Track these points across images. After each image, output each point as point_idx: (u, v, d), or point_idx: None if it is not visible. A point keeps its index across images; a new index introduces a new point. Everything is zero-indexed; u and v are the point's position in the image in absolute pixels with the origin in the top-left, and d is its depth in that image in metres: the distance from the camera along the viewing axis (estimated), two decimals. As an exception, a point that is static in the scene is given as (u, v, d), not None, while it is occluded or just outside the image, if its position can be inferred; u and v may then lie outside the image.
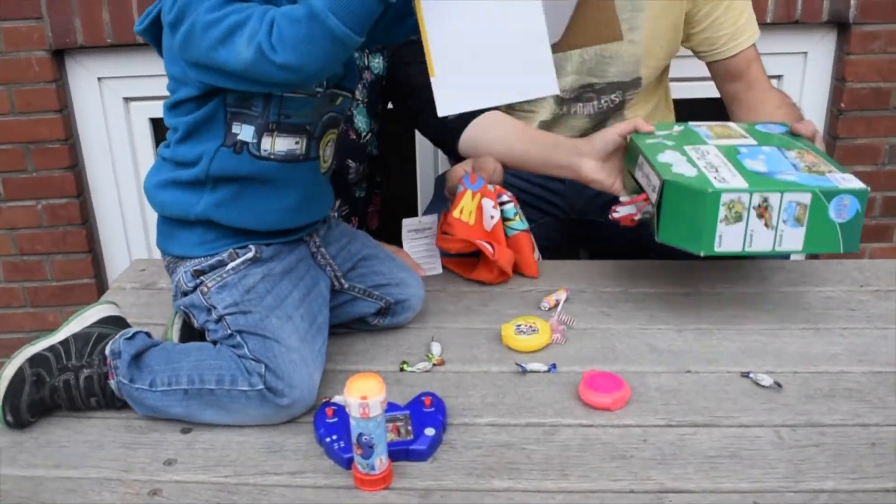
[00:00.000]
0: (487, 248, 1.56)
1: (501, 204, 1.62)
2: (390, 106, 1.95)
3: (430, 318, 1.52)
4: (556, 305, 1.52)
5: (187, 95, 1.23)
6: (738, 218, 1.33)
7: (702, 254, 1.35)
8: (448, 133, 1.77)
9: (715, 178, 1.34)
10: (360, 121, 1.85)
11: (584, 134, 1.95)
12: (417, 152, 2.56)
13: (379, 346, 1.44)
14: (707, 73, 1.96)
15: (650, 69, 1.88)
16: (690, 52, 1.93)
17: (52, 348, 1.29)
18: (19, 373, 1.26)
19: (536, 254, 1.69)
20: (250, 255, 1.29)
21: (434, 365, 1.38)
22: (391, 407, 1.22)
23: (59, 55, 2.37)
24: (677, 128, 1.58)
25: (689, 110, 2.05)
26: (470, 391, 1.31)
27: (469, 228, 1.57)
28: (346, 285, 1.42)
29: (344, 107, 1.35)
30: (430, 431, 1.18)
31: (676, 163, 1.40)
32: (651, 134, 1.53)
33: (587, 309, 1.53)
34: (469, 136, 1.75)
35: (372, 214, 2.01)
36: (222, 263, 1.28)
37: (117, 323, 1.36)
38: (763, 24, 2.33)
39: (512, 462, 1.16)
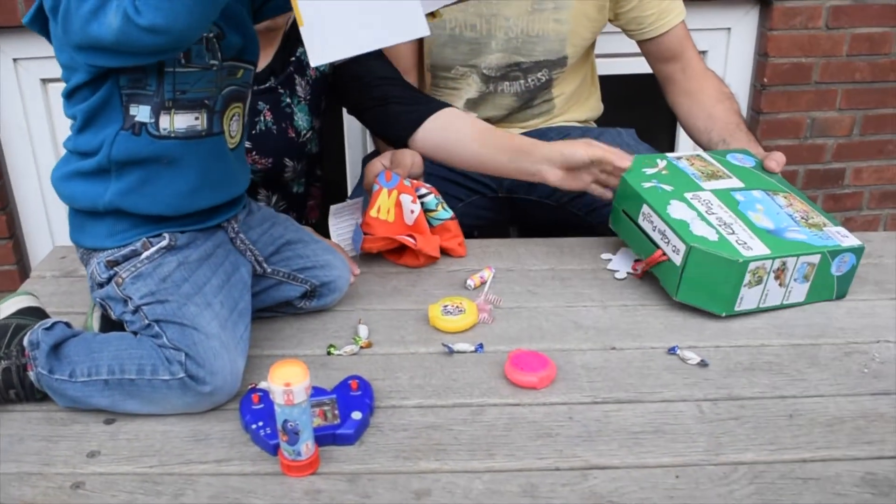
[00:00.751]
0: (409, 241, 1.57)
1: (421, 196, 1.61)
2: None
3: (357, 301, 1.52)
4: (483, 284, 1.53)
5: (80, 81, 1.20)
6: (759, 281, 1.38)
7: (722, 314, 1.40)
8: (401, 129, 1.74)
9: (737, 242, 1.38)
10: (302, 118, 1.83)
11: (511, 112, 1.96)
12: (346, 138, 2.55)
13: (306, 330, 1.44)
14: (631, 50, 1.97)
15: (576, 48, 1.90)
16: (616, 30, 1.94)
17: None
18: None
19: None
20: (164, 243, 1.27)
21: (361, 348, 1.38)
22: (318, 391, 1.23)
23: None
24: (661, 162, 1.58)
25: (614, 87, 2.07)
26: (397, 373, 1.32)
27: (388, 226, 1.58)
28: (269, 269, 1.41)
29: (246, 79, 1.33)
30: (356, 415, 1.18)
31: (691, 220, 1.42)
32: (644, 175, 1.54)
33: (514, 288, 1.54)
34: (425, 136, 1.71)
35: (312, 208, 2.00)
36: (136, 253, 1.27)
37: (36, 314, 1.34)
38: (688, 1, 2.37)
39: (439, 443, 1.16)
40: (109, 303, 1.29)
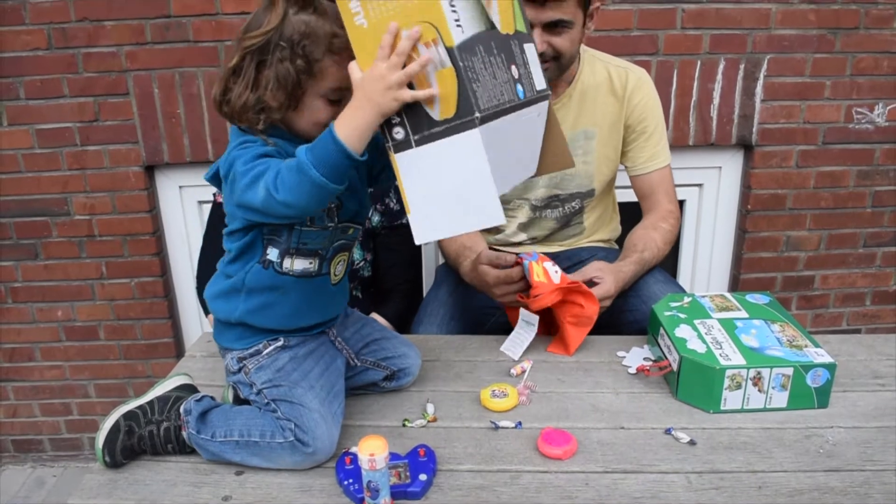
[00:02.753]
0: (578, 283, 1.57)
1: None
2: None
3: (427, 383, 1.54)
4: (523, 373, 1.54)
5: (236, 227, 1.29)
6: (738, 386, 1.38)
7: (710, 412, 1.40)
8: None
9: (720, 354, 1.39)
10: (356, 252, 1.92)
11: (552, 233, 1.99)
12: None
13: (387, 406, 1.46)
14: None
15: (600, 182, 1.93)
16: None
17: (140, 407, 1.34)
18: (116, 425, 1.31)
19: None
20: (280, 343, 1.33)
21: (428, 422, 1.40)
22: (394, 457, 1.25)
23: (150, 169, 2.43)
24: (686, 298, 1.62)
25: (629, 209, 2.09)
26: (455, 443, 1.33)
27: (549, 284, 1.56)
28: (359, 361, 1.45)
29: (355, 236, 1.39)
30: (423, 477, 1.21)
31: (690, 338, 1.45)
32: (669, 307, 1.57)
33: (547, 376, 1.55)
34: None
35: (351, 289, 2.05)
36: (258, 352, 1.33)
37: (190, 389, 1.41)
38: (686, 146, 2.41)
39: (485, 501, 1.18)
40: (239, 386, 1.35)
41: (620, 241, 2.10)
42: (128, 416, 1.33)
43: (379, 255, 2.06)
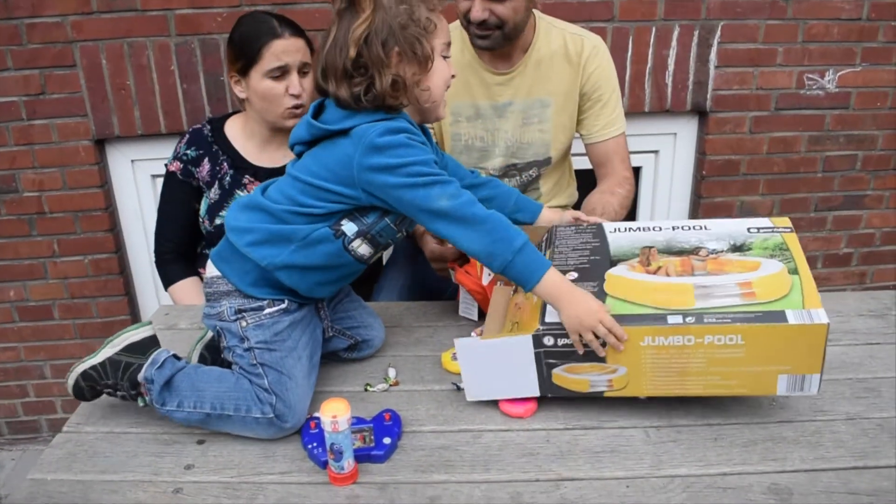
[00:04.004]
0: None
1: None
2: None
3: (388, 349, 1.55)
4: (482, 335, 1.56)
5: (335, 191, 1.26)
6: None
7: None
8: None
9: None
10: None
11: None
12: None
13: (349, 371, 1.47)
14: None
15: (556, 150, 1.95)
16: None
17: (94, 368, 1.31)
18: (76, 383, 1.31)
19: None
20: (284, 305, 1.31)
21: (391, 385, 1.42)
22: (360, 420, 1.27)
23: (101, 143, 2.38)
24: None
25: (584, 177, 2.11)
26: (417, 405, 1.35)
27: (475, 280, 1.56)
28: (332, 331, 1.45)
29: (402, 237, 1.40)
30: (387, 440, 1.22)
31: None
32: None
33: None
34: None
35: None
36: (261, 308, 1.30)
37: (143, 346, 1.34)
38: (642, 113, 2.44)
39: (448, 460, 1.20)
40: (226, 333, 1.32)
41: (577, 206, 2.12)
42: (85, 376, 1.31)
43: None
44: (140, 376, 1.30)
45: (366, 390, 1.41)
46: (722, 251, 1.32)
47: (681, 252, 1.33)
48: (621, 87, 2.32)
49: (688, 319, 1.18)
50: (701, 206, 2.59)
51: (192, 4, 2.19)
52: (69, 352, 2.59)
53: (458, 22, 1.87)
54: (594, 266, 1.32)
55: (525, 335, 1.24)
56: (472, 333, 1.56)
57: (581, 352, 1.22)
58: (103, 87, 2.26)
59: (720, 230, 1.38)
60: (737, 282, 1.24)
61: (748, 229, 1.37)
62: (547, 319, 1.24)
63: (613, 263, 1.32)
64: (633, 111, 2.41)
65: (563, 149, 1.98)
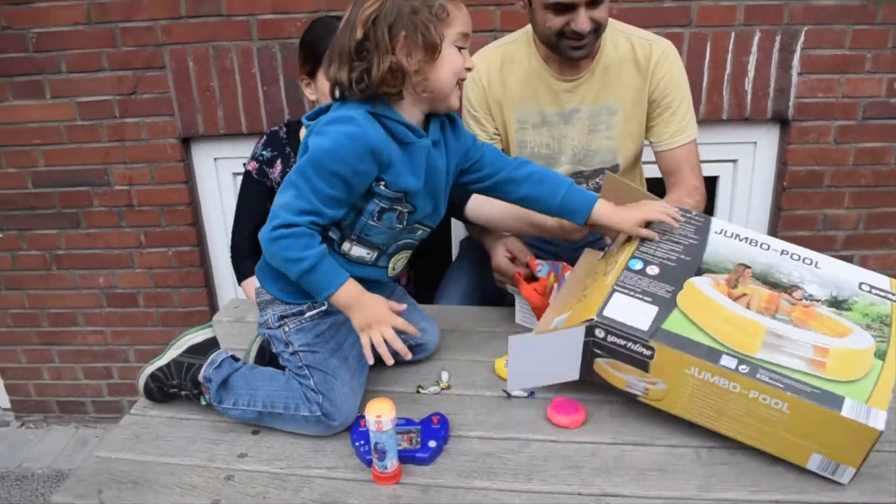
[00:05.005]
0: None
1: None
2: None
3: (443, 352, 1.55)
4: None
5: None
6: None
7: None
8: (457, 203, 1.75)
9: None
10: None
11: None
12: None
13: (402, 372, 1.48)
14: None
15: (625, 158, 1.90)
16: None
17: (160, 369, 1.39)
18: (146, 384, 1.39)
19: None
20: (323, 308, 1.32)
21: (442, 389, 1.42)
22: (408, 422, 1.27)
23: (186, 141, 2.47)
24: None
25: (657, 186, 2.05)
26: (466, 410, 1.35)
27: (542, 300, 1.54)
28: None
29: (422, 237, 1.38)
30: (432, 443, 1.22)
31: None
32: None
33: None
34: (470, 206, 1.74)
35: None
36: (301, 313, 1.33)
37: (204, 348, 1.40)
38: (720, 121, 2.36)
39: (491, 467, 1.19)
40: (274, 340, 1.36)
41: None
42: (153, 377, 1.39)
43: None
44: (200, 376, 1.35)
45: (418, 392, 1.41)
46: (818, 301, 1.22)
47: (775, 285, 1.25)
48: (698, 94, 2.26)
49: (741, 368, 1.12)
50: (781, 219, 2.48)
51: (273, 10, 2.25)
52: (151, 338, 2.70)
53: (525, 29, 1.86)
54: (680, 267, 1.27)
55: (578, 327, 1.22)
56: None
57: (370, 361, 1.24)
58: (189, 89, 2.34)
59: (829, 273, 1.27)
60: (813, 344, 1.15)
61: (860, 285, 1.26)
62: (605, 313, 1.21)
63: (700, 272, 1.26)
64: (710, 119, 2.33)
65: (632, 156, 1.93)
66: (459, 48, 1.25)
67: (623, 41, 1.82)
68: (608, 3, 1.67)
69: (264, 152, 1.97)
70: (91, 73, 2.34)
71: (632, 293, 1.24)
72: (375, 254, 1.33)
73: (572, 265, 1.63)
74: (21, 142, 2.44)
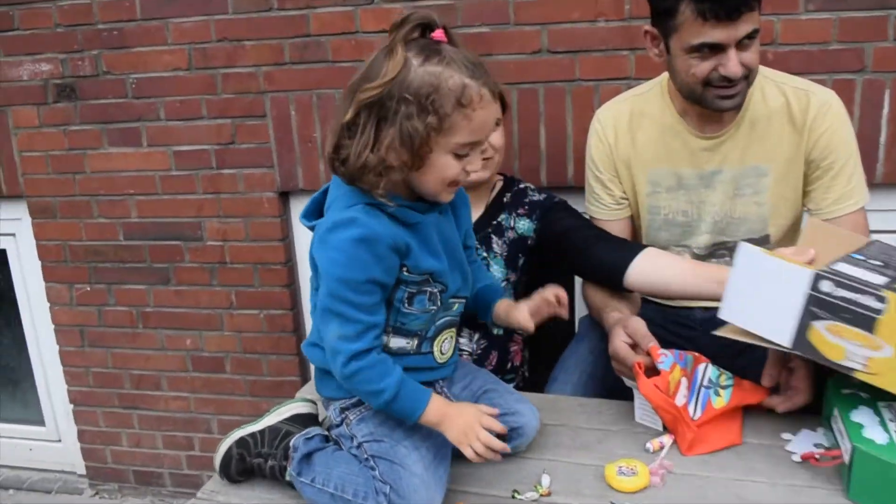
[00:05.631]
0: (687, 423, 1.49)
1: (704, 374, 1.55)
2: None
3: (546, 451, 1.52)
4: (661, 449, 1.49)
5: None
6: None
7: None
8: (615, 265, 1.75)
9: None
10: (497, 270, 1.92)
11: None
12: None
13: (496, 471, 1.46)
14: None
15: (777, 227, 1.85)
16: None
17: (252, 435, 1.47)
18: (229, 451, 1.46)
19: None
20: None
21: (541, 496, 1.39)
22: None
23: (285, 195, 2.60)
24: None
25: None
26: None
27: (665, 398, 1.50)
28: None
29: (459, 311, 1.43)
30: (522, 560, 1.21)
31: (869, 425, 1.34)
32: (849, 383, 1.44)
33: (690, 456, 1.48)
34: (638, 270, 1.72)
35: (516, 352, 2.03)
36: (362, 401, 1.38)
37: (305, 420, 1.50)
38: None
39: None
40: (341, 439, 1.42)
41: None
42: (240, 443, 1.46)
43: (529, 274, 2.04)
44: (291, 443, 1.42)
45: (513, 497, 1.39)
46: None
47: None
48: (873, 152, 2.16)
49: None
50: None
51: (382, 55, 2.35)
52: (237, 408, 2.82)
53: (660, 78, 1.85)
54: None
55: (807, 269, 1.31)
56: (648, 445, 1.50)
57: (476, 459, 1.31)
58: (290, 139, 2.48)
59: None
60: None
61: None
62: (835, 267, 1.31)
63: None
64: (889, 182, 2.22)
65: (787, 225, 1.87)
66: (459, 155, 1.26)
67: (774, 91, 1.78)
68: (757, 44, 1.64)
69: None
70: (189, 121, 2.52)
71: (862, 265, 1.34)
72: (415, 341, 1.38)
73: (709, 356, 1.59)
74: (115, 190, 2.65)
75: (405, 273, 1.30)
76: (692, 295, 1.72)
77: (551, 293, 1.47)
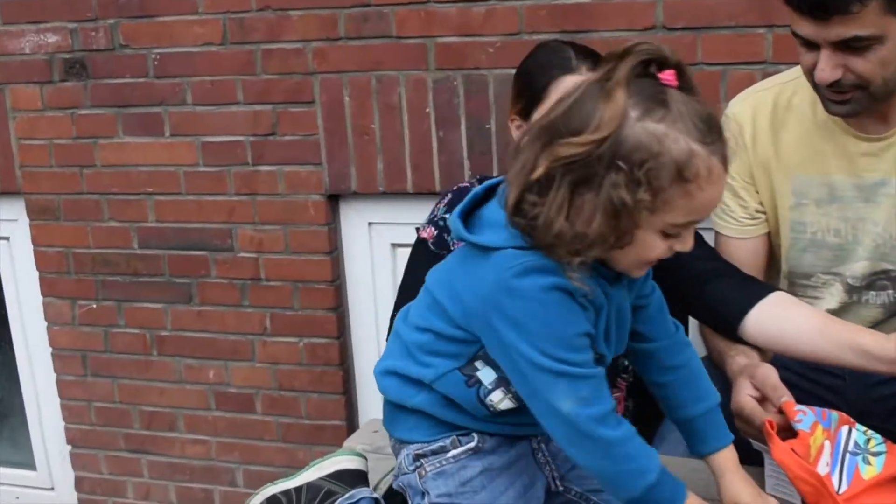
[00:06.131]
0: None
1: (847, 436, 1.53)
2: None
3: None
4: None
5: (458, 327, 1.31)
6: None
7: None
8: (731, 310, 1.75)
9: None
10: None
11: (875, 325, 1.90)
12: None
13: None
14: None
15: (957, 255, 1.82)
16: None
17: (286, 493, 1.48)
18: None
19: None
20: (472, 444, 1.35)
21: None
22: None
23: (334, 199, 2.62)
24: None
25: None
26: None
27: (802, 466, 1.47)
28: (563, 487, 1.45)
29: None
30: None
31: None
32: None
33: None
34: (757, 319, 1.71)
35: (618, 400, 2.02)
36: (444, 450, 1.36)
37: (352, 478, 1.50)
38: None
39: None
40: (409, 491, 1.40)
41: None
42: (271, 501, 1.48)
43: None
44: None
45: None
46: None
47: None
48: None
49: None
50: None
51: (459, 31, 2.38)
52: (267, 457, 2.86)
53: None
54: None
55: None
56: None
57: None
58: (343, 130, 2.52)
59: None
60: None
61: None
62: None
63: None
64: None
65: (966, 252, 1.83)
66: (668, 234, 1.21)
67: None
68: (883, 52, 1.61)
69: (448, 215, 2.05)
70: (221, 107, 2.58)
71: None
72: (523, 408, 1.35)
73: (857, 414, 1.56)
74: (129, 188, 2.72)
75: None
76: (815, 359, 1.71)
77: None
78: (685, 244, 1.24)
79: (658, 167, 1.13)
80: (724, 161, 1.18)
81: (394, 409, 1.42)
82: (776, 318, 1.71)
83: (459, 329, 1.29)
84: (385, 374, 1.42)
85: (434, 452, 1.37)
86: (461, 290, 1.28)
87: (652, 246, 1.21)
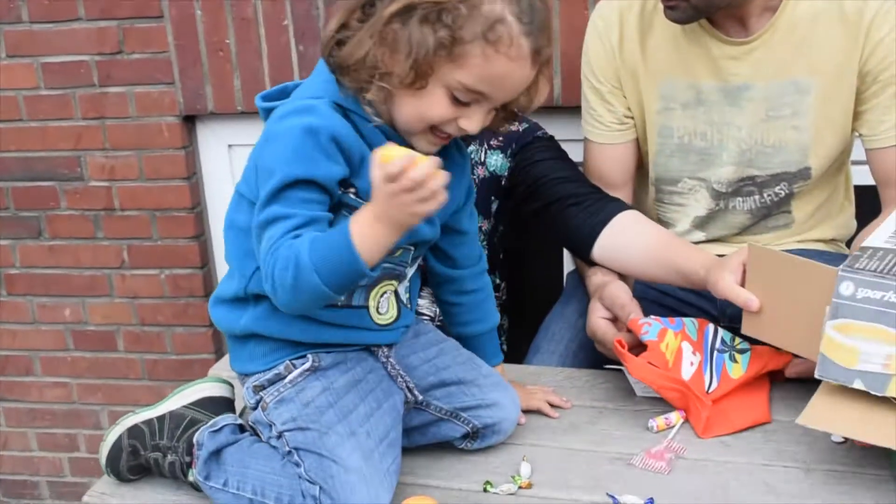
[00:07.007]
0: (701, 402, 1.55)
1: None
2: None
3: (527, 434, 1.56)
4: (669, 429, 1.54)
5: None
6: None
7: None
8: (582, 237, 1.83)
9: None
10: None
11: (742, 231, 1.97)
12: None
13: (465, 461, 1.50)
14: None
15: (821, 158, 1.89)
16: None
17: (148, 422, 1.48)
18: (118, 441, 1.47)
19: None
20: (307, 364, 1.38)
21: (520, 488, 1.42)
22: None
23: (190, 120, 2.59)
24: None
25: (872, 199, 2.01)
26: None
27: (662, 372, 1.55)
28: (422, 399, 1.48)
29: (404, 258, 1.43)
30: (496, 565, 1.25)
31: None
32: None
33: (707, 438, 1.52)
34: (602, 246, 1.81)
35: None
36: (280, 377, 1.39)
37: (217, 405, 1.51)
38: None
39: None
40: (259, 427, 1.43)
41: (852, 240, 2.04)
42: (133, 432, 1.48)
43: (506, 222, 2.10)
44: (195, 437, 1.43)
45: (485, 491, 1.43)
46: None
47: None
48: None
49: None
50: None
51: (314, -64, 2.35)
52: (132, 396, 2.84)
53: None
54: None
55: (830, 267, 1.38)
56: (652, 423, 1.56)
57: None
58: (196, 46, 2.47)
59: None
60: None
61: None
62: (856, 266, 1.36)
63: None
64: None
65: (832, 156, 1.91)
66: (456, 99, 1.29)
67: (822, -15, 1.80)
68: None
69: None
70: (61, 24, 2.49)
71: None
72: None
73: (727, 322, 1.64)
74: (-36, 118, 2.61)
75: (350, 195, 1.30)
76: (655, 282, 1.83)
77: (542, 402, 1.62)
78: (470, 121, 1.32)
79: (467, 17, 1.22)
80: (534, 50, 1.27)
81: (232, 342, 1.47)
82: (617, 245, 1.80)
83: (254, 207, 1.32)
84: (214, 305, 1.46)
85: (271, 382, 1.40)
86: (248, 165, 1.38)
87: (438, 103, 1.29)
